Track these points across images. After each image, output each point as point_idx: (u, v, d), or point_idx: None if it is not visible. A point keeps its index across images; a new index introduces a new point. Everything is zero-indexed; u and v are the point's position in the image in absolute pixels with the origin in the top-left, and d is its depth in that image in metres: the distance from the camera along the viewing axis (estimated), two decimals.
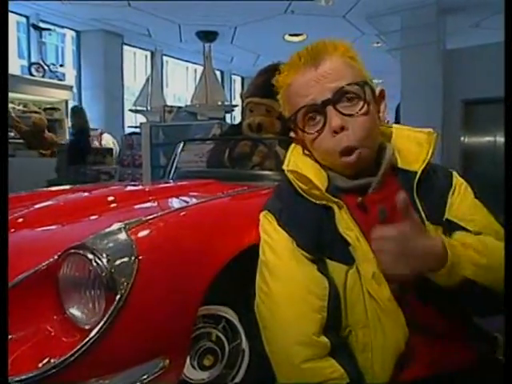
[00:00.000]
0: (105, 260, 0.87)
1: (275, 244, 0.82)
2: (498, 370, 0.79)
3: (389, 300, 0.76)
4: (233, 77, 10.25)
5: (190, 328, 1.01)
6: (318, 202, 0.81)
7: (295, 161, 0.86)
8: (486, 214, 0.84)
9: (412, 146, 0.86)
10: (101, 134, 6.13)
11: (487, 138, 6.51)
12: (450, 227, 0.80)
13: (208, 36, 6.73)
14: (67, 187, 1.79)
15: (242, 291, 1.10)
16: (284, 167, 0.86)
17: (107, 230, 0.95)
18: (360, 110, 0.78)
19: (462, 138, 6.48)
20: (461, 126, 6.39)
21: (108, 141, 6.07)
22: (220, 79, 8.68)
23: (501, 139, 6.39)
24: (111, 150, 5.24)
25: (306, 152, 0.87)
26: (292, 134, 0.89)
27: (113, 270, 0.87)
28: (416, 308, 0.78)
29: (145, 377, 0.90)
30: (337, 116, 0.77)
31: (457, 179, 0.87)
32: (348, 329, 0.79)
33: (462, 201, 0.84)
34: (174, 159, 2.10)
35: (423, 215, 0.79)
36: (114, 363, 0.88)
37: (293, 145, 0.91)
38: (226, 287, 1.10)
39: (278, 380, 0.80)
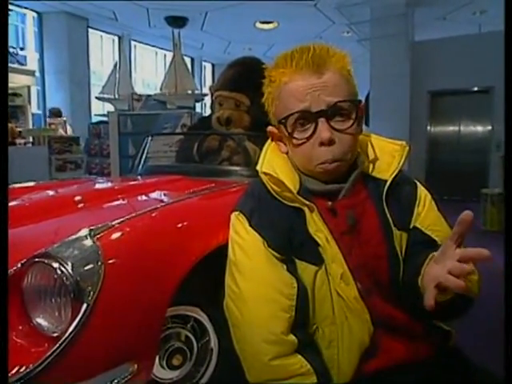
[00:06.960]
0: (70, 268, 0.86)
1: (246, 244, 0.84)
2: (454, 357, 0.86)
3: (355, 299, 0.80)
4: (203, 63, 10.08)
5: (158, 331, 1.02)
6: (290, 204, 0.83)
7: (270, 162, 0.87)
8: (446, 224, 0.89)
9: (385, 157, 0.89)
10: (65, 122, 5.92)
11: (452, 128, 6.74)
12: (417, 234, 0.85)
13: (177, 21, 6.58)
14: (31, 184, 1.72)
15: (210, 291, 1.12)
16: (258, 168, 0.87)
17: (73, 236, 0.94)
18: (350, 127, 0.80)
19: (429, 127, 6.68)
20: (427, 115, 6.58)
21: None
22: (190, 66, 8.53)
23: (464, 128, 6.64)
24: (77, 138, 5.07)
25: (283, 149, 0.88)
26: (272, 129, 0.89)
27: (78, 278, 0.86)
28: (378, 304, 0.82)
29: (115, 382, 0.90)
30: (327, 129, 0.79)
31: (421, 190, 0.91)
32: (315, 326, 0.82)
33: (429, 211, 0.88)
34: (142, 153, 2.07)
35: (390, 221, 0.84)
36: (82, 370, 0.88)
37: (268, 144, 0.92)
38: (195, 287, 1.11)
39: (248, 376, 0.83)
